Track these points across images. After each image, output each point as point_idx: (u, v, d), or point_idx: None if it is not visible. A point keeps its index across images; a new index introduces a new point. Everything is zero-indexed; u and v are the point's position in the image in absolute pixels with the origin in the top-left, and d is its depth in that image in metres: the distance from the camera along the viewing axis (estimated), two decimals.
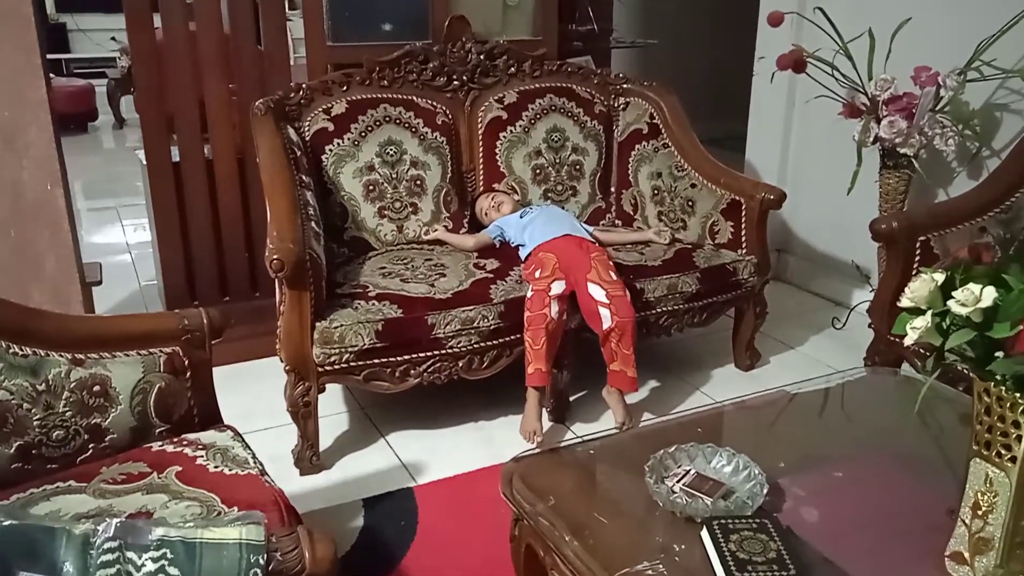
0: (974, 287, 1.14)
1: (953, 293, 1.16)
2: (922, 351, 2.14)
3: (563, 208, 2.97)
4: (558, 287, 2.40)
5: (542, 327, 2.34)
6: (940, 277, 1.21)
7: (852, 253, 3.37)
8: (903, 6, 2.87)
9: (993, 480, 1.22)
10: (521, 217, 2.76)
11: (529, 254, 2.60)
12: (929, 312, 1.19)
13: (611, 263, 2.53)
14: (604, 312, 2.39)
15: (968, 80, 2.71)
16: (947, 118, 2.77)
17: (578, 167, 3.09)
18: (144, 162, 2.93)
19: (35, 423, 1.49)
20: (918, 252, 2.35)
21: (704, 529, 1.34)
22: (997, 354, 1.15)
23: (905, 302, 1.23)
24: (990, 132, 2.85)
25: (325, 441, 2.39)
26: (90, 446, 1.56)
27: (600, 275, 2.44)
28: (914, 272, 2.34)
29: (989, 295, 1.12)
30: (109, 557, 0.98)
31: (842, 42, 2.82)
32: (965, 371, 1.63)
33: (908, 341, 1.20)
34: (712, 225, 2.85)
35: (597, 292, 2.41)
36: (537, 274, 2.45)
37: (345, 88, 2.79)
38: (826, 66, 2.87)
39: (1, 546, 0.96)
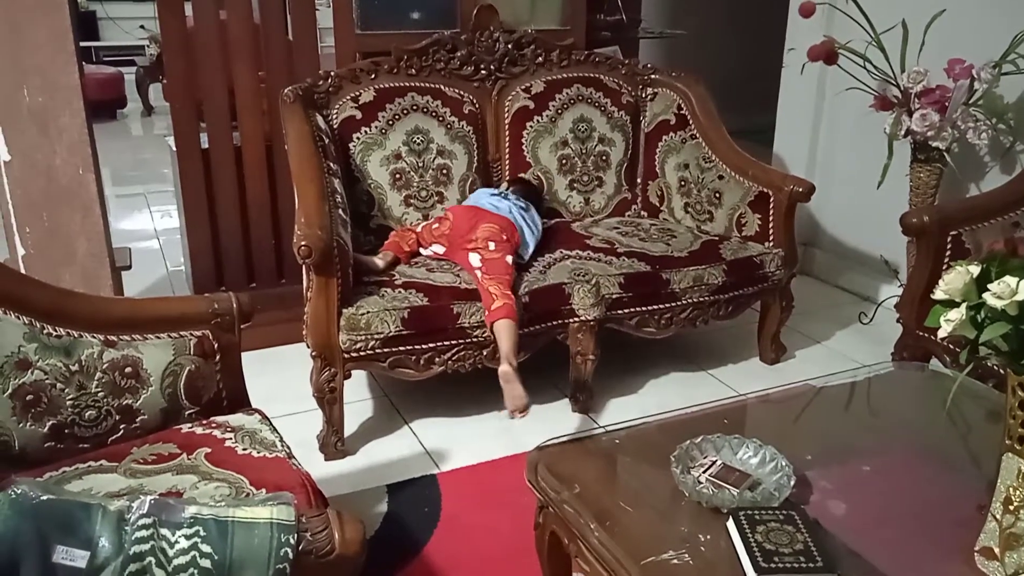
0: (1010, 280, 1.12)
1: (988, 286, 1.14)
2: (952, 346, 2.12)
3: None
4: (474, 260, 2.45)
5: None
6: (975, 269, 1.19)
7: (880, 247, 3.33)
8: None
9: None
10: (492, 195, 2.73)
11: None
12: (963, 305, 1.18)
13: (503, 235, 2.51)
14: (477, 273, 2.40)
15: (1003, 73, 2.66)
16: (980, 111, 2.73)
17: (604, 158, 3.08)
18: (173, 149, 2.95)
19: (68, 403, 1.51)
20: (949, 246, 2.32)
21: (730, 520, 1.33)
22: None
23: (939, 294, 1.22)
24: None
25: (350, 427, 2.41)
26: (121, 426, 1.58)
27: (478, 244, 2.48)
28: (945, 266, 2.32)
29: None
30: (143, 533, 1.00)
31: (875, 33, 2.78)
32: (996, 367, 1.61)
33: (942, 334, 1.19)
34: (739, 217, 2.83)
35: (474, 260, 2.44)
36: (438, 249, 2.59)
37: (373, 76, 2.80)
38: (858, 58, 2.83)
39: (39, 520, 0.98)
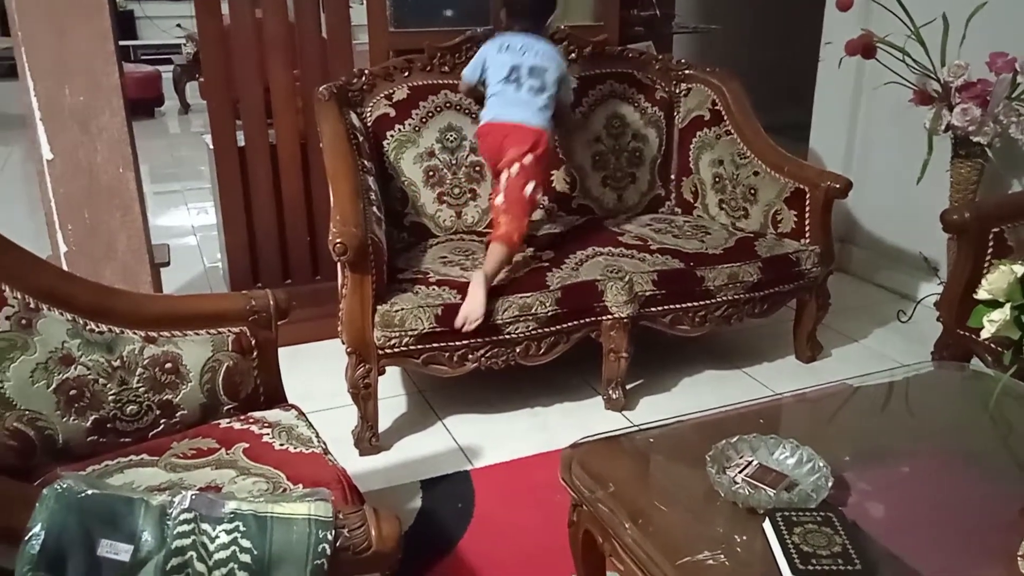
0: None
1: None
2: (995, 347, 2.08)
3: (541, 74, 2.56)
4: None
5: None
6: (1020, 269, 1.17)
7: (919, 244, 3.28)
8: None
9: None
10: (500, 52, 2.57)
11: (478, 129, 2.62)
12: (1008, 305, 1.16)
13: (534, 157, 2.46)
14: (498, 199, 2.48)
15: None
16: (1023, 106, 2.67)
17: (638, 154, 3.06)
18: (210, 146, 2.99)
19: (110, 398, 1.54)
20: (991, 244, 2.28)
21: (767, 521, 1.32)
22: None
23: (982, 294, 1.20)
24: None
25: (384, 423, 2.43)
26: (161, 421, 1.61)
27: (504, 166, 2.48)
28: (986, 264, 2.28)
29: None
30: (185, 528, 1.01)
31: (914, 27, 2.73)
32: None
33: (985, 335, 1.17)
34: (775, 214, 2.80)
35: (499, 183, 2.50)
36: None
37: (407, 74, 2.81)
38: (897, 51, 2.78)
39: (83, 514, 1.00)
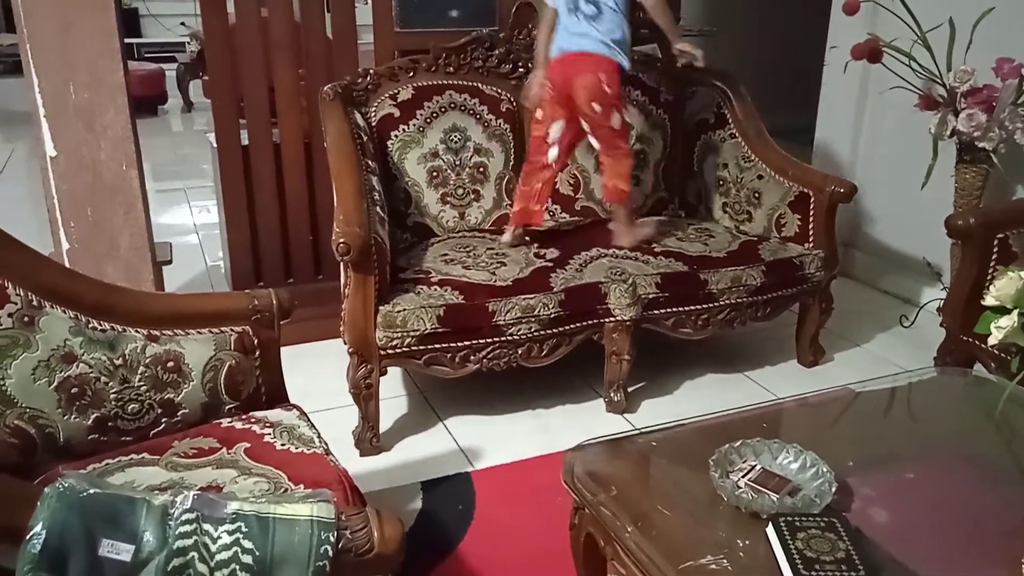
0: None
1: None
2: (1000, 353, 2.08)
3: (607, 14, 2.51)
4: (555, 131, 2.58)
5: (536, 171, 2.62)
6: None
7: (923, 249, 3.27)
8: None
9: None
10: None
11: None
12: (1016, 311, 1.15)
13: (603, 85, 2.46)
14: (592, 141, 2.60)
15: None
16: None
17: (642, 156, 3.05)
18: (214, 145, 2.99)
19: (112, 396, 1.54)
20: (995, 250, 2.27)
21: (770, 526, 1.32)
22: None
23: (990, 300, 1.19)
24: None
25: (385, 423, 2.42)
26: (163, 420, 1.60)
27: (583, 109, 2.51)
28: (991, 270, 2.27)
29: None
30: (187, 528, 1.01)
31: (920, 32, 2.73)
32: None
33: (992, 341, 1.17)
34: (779, 218, 2.79)
35: (585, 126, 2.57)
36: (539, 114, 2.60)
37: (411, 74, 2.81)
38: (903, 56, 2.78)
39: (86, 514, 0.99)
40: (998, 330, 1.15)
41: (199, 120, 7.47)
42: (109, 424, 1.54)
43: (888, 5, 2.88)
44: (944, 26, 2.70)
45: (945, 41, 2.71)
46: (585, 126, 2.58)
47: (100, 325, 1.56)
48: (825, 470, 1.44)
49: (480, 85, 2.88)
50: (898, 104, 3.02)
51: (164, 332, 1.61)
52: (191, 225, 4.48)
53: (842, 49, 2.95)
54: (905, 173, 3.13)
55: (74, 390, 1.50)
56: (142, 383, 1.56)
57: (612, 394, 2.54)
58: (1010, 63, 2.62)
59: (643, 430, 1.75)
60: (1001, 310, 1.17)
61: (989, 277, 2.25)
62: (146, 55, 8.94)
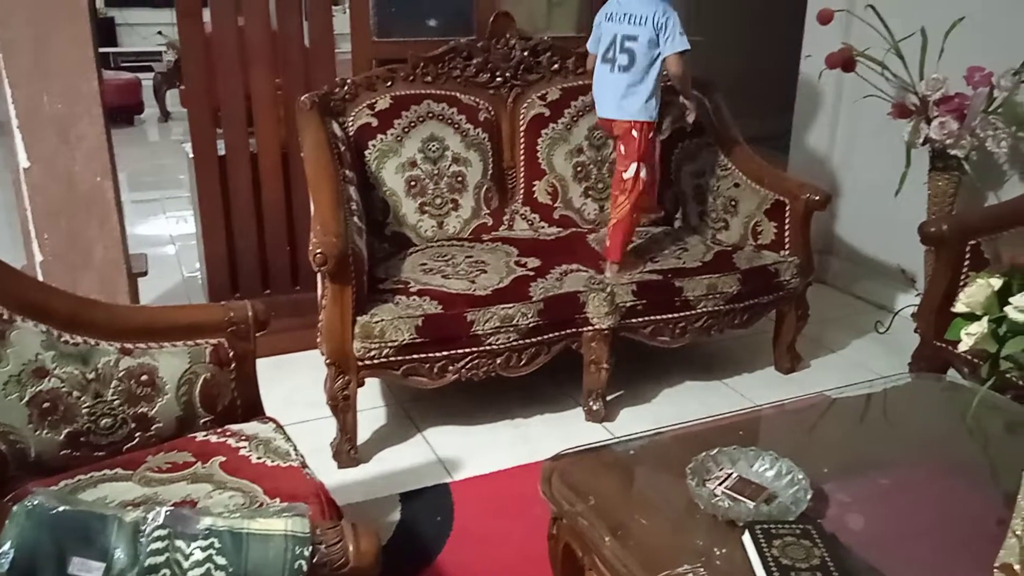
0: None
1: (1010, 299, 1.13)
2: (972, 358, 2.10)
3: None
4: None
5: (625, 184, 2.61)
6: (997, 282, 1.18)
7: (897, 256, 3.31)
8: (957, 5, 2.80)
9: None
10: (608, 20, 2.56)
11: None
12: (985, 318, 1.17)
13: (631, 132, 2.53)
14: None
15: (1023, 81, 2.64)
16: (1000, 120, 2.70)
17: None
18: (190, 156, 2.97)
19: (84, 411, 1.52)
20: (968, 256, 2.30)
21: (746, 533, 1.32)
22: None
23: (960, 307, 1.21)
24: None
25: (363, 435, 2.41)
26: (136, 434, 1.58)
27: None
28: (963, 276, 2.30)
29: None
30: (159, 545, 1.00)
31: (893, 41, 2.76)
32: (1015, 379, 1.59)
33: (963, 347, 1.18)
34: (755, 225, 2.81)
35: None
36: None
37: (389, 84, 2.80)
38: (876, 65, 2.81)
39: (56, 531, 0.98)
40: (968, 336, 1.16)
41: (176, 130, 7.42)
42: (81, 439, 1.52)
43: (861, 15, 2.92)
44: (916, 35, 2.74)
45: (917, 50, 2.75)
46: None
47: (73, 339, 1.54)
48: (800, 477, 1.45)
49: (458, 94, 2.88)
50: (872, 112, 3.05)
51: (138, 345, 1.59)
52: (167, 236, 4.44)
53: (817, 58, 2.98)
54: (880, 180, 3.17)
55: (46, 405, 1.48)
56: (115, 397, 1.55)
57: (591, 403, 2.54)
58: (981, 72, 2.66)
59: (621, 439, 1.75)
60: (971, 316, 1.19)
61: (962, 283, 2.28)
62: (122, 64, 8.89)
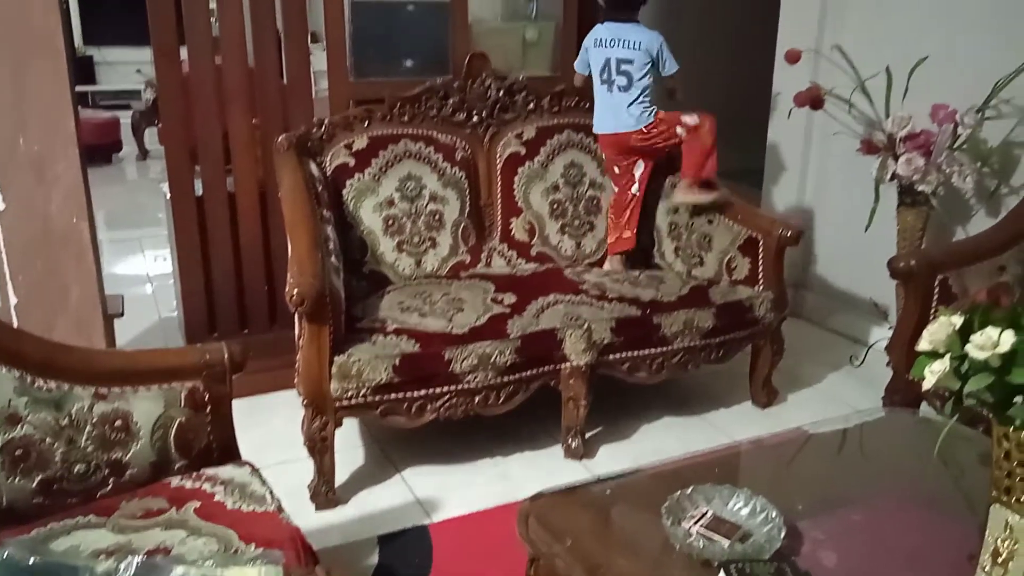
0: (992, 332, 1.14)
1: (971, 337, 1.16)
2: (943, 393, 2.13)
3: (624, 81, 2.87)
4: (637, 170, 2.97)
5: (624, 205, 2.99)
6: (958, 320, 1.21)
7: (870, 290, 3.35)
8: (920, 44, 2.89)
9: (1013, 527, 1.20)
10: (596, 46, 2.88)
11: None
12: (947, 356, 1.19)
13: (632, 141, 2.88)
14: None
15: (986, 118, 2.71)
16: (965, 156, 2.77)
17: (595, 202, 3.11)
18: (168, 196, 2.97)
19: (57, 457, 1.51)
20: (936, 290, 2.34)
21: (721, 572, 1.33)
22: (1016, 399, 1.15)
23: (923, 345, 1.23)
24: (1008, 170, 2.85)
25: (341, 475, 2.39)
26: (110, 480, 1.57)
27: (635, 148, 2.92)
28: (933, 310, 2.34)
29: (1007, 340, 1.12)
30: None
31: (859, 80, 2.83)
32: (985, 413, 1.62)
33: (926, 385, 1.20)
34: (729, 261, 2.85)
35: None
36: (616, 170, 2.99)
37: (367, 123, 2.83)
38: (843, 103, 2.88)
39: None
40: (932, 375, 1.19)
41: (154, 168, 7.41)
42: (54, 486, 1.51)
43: (828, 55, 2.99)
44: (882, 74, 2.81)
45: (883, 88, 2.82)
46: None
47: (46, 384, 1.53)
48: (774, 515, 1.46)
49: (435, 133, 2.91)
50: (842, 148, 3.12)
51: (112, 389, 1.59)
52: (145, 275, 4.42)
53: (786, 95, 3.05)
54: (851, 215, 3.22)
55: (18, 452, 1.47)
56: (89, 443, 1.54)
57: (570, 440, 2.55)
58: (945, 109, 2.73)
59: (599, 478, 1.76)
60: (935, 354, 1.21)
61: (932, 317, 2.31)
62: (101, 103, 8.89)
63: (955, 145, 2.75)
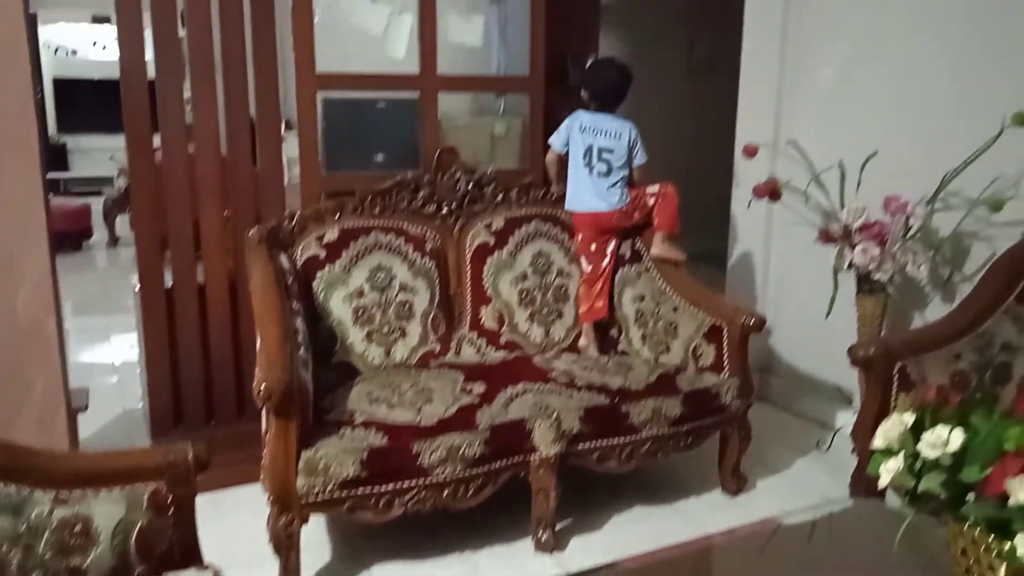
0: (942, 430, 1.17)
1: (922, 435, 1.19)
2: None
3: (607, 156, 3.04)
4: (608, 246, 3.14)
5: (596, 278, 3.11)
6: (910, 418, 1.24)
7: (833, 374, 3.41)
8: (871, 138, 3.02)
9: None
10: (581, 132, 3.04)
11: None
12: (901, 454, 1.22)
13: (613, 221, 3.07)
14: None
15: (936, 210, 2.82)
16: (918, 245, 2.86)
17: (563, 290, 3.16)
18: (136, 288, 2.96)
19: (13, 566, 1.47)
20: (896, 377, 2.38)
21: None
22: (969, 496, 1.17)
23: (878, 443, 1.26)
24: (960, 258, 2.94)
25: (307, 574, 2.34)
26: None
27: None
28: (893, 397, 2.37)
29: (957, 438, 1.16)
30: None
31: (814, 173, 2.95)
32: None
33: (883, 483, 1.23)
34: (695, 348, 2.89)
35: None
36: (592, 247, 3.11)
37: (338, 216, 2.88)
38: (801, 194, 2.98)
39: None
40: (887, 473, 1.21)
41: (124, 254, 7.39)
42: None
43: (784, 149, 3.11)
44: (835, 167, 2.92)
45: (838, 181, 2.93)
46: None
47: (6, 488, 1.50)
48: None
49: (405, 225, 2.96)
50: (802, 236, 3.22)
51: (74, 493, 1.56)
52: (111, 364, 4.37)
53: (747, 185, 3.15)
54: (813, 300, 3.29)
55: None
56: (47, 549, 1.50)
57: (540, 532, 2.52)
58: (897, 200, 2.84)
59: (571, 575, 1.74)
60: (889, 452, 1.24)
61: (892, 405, 2.35)
62: (73, 190, 8.92)
63: (908, 235, 2.85)
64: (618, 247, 3.14)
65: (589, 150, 3.02)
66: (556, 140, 3.12)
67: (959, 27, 2.88)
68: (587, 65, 3.26)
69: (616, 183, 3.03)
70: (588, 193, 3.05)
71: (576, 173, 3.07)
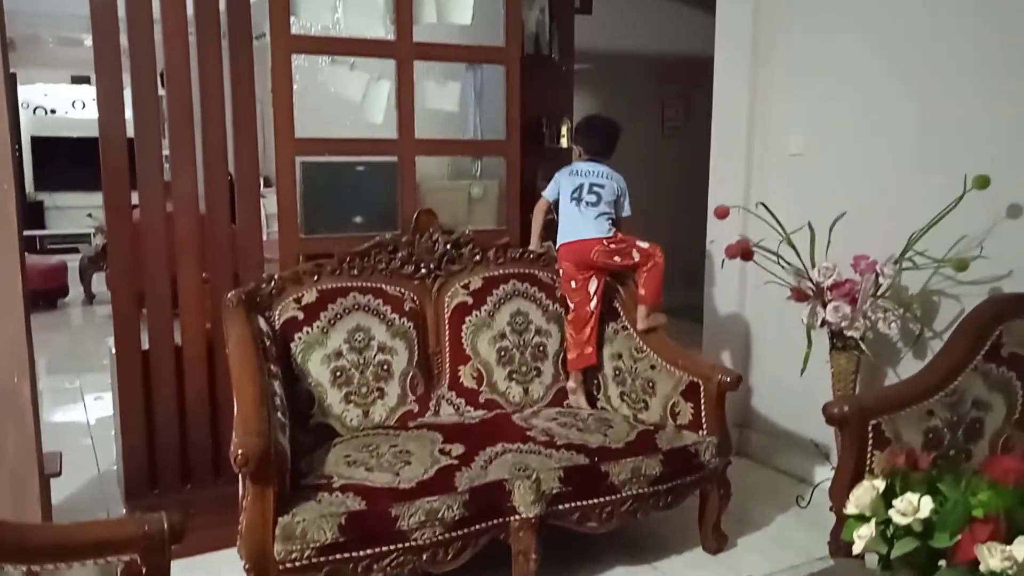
0: (912, 497, 1.19)
1: (893, 502, 1.21)
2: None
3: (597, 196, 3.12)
4: (592, 285, 3.12)
5: (584, 320, 3.10)
6: (881, 485, 1.27)
7: (811, 429, 3.42)
8: (838, 201, 3.09)
9: None
10: (571, 175, 3.15)
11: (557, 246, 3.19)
12: (873, 520, 1.24)
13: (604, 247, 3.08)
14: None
15: (904, 268, 2.88)
16: (889, 303, 2.92)
17: (541, 348, 3.17)
18: (112, 351, 2.94)
19: None
20: (871, 435, 2.41)
21: None
22: (940, 563, 1.19)
23: (851, 509, 1.28)
24: (930, 315, 3.01)
25: None
26: None
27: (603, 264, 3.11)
28: (869, 455, 2.40)
29: (927, 506, 1.18)
30: None
31: (785, 233, 3.01)
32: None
33: (856, 550, 1.24)
34: (673, 406, 2.91)
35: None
36: (572, 284, 3.12)
37: (316, 278, 2.89)
38: (772, 255, 3.04)
39: None
40: (860, 540, 1.23)
41: (100, 312, 7.34)
42: None
43: (755, 210, 3.18)
44: (805, 228, 2.99)
45: (808, 241, 2.99)
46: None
47: None
48: None
49: (384, 286, 2.98)
50: (775, 294, 3.27)
51: (45, 567, 1.53)
52: (84, 424, 4.31)
53: (720, 243, 3.21)
54: (788, 356, 3.34)
55: None
56: None
57: None
58: (865, 259, 2.91)
59: None
60: (862, 518, 1.26)
61: (868, 462, 2.38)
62: (49, 247, 8.88)
63: (878, 293, 2.91)
64: (602, 290, 3.14)
65: (579, 187, 3.11)
66: (547, 190, 3.23)
67: (921, 93, 2.98)
68: (577, 123, 3.36)
69: (604, 214, 3.09)
70: (575, 223, 3.11)
71: (565, 210, 3.14)
